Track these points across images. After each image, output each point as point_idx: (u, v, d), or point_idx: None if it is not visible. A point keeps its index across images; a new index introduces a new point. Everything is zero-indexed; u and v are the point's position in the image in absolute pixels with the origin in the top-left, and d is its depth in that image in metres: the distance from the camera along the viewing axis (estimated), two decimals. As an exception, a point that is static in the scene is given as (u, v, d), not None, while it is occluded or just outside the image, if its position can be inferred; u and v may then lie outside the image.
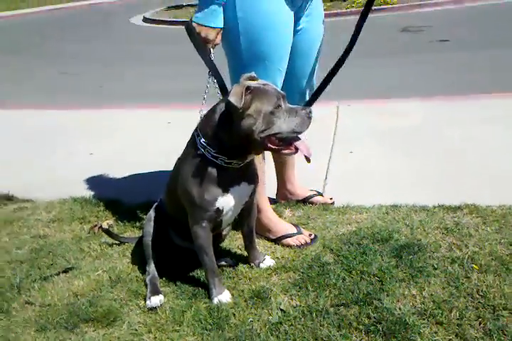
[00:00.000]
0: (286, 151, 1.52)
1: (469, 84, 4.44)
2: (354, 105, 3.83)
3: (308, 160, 1.53)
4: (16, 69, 7.38)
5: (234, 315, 1.59)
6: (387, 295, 1.59)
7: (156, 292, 1.72)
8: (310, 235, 1.98)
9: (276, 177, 2.32)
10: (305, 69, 1.95)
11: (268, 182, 2.09)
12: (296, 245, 1.95)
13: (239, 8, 1.67)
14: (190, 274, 1.84)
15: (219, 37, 1.72)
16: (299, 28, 1.84)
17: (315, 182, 2.51)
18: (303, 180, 2.37)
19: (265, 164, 2.00)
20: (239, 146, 1.51)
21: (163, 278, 1.81)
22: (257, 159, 1.82)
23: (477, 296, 1.56)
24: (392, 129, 3.21)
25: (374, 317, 1.51)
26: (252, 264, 1.86)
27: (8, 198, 2.70)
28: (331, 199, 2.31)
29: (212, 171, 1.56)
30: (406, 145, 2.94)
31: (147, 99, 4.88)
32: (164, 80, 5.87)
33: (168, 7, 15.26)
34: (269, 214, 2.04)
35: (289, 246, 1.96)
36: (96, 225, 2.30)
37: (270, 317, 1.56)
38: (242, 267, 1.85)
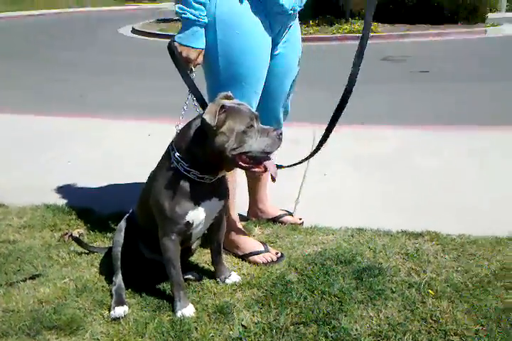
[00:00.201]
0: (255, 170, 1.58)
1: (446, 114, 4.60)
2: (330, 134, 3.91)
3: (273, 179, 1.59)
4: (1, 73, 7.33)
5: (196, 329, 1.62)
6: (346, 316, 1.65)
7: (120, 302, 1.74)
8: (277, 253, 2.04)
9: (248, 195, 2.38)
10: (280, 91, 2.04)
11: (240, 199, 2.15)
12: (263, 262, 2.00)
13: (219, 31, 1.74)
14: (157, 286, 1.87)
15: (200, 57, 1.78)
16: (276, 52, 1.93)
17: (287, 202, 2.57)
18: (275, 199, 2.44)
19: (236, 181, 2.06)
20: (211, 162, 1.57)
21: (130, 289, 1.84)
22: (230, 176, 1.88)
23: (430, 321, 1.62)
24: (367, 155, 3.31)
25: (331, 337, 1.56)
26: (218, 279, 1.89)
27: (-19, 202, 2.69)
28: (301, 219, 2.38)
29: (185, 185, 1.61)
30: (378, 171, 3.03)
31: (129, 110, 4.91)
32: (148, 92, 5.92)
33: (158, 20, 15.43)
34: (238, 230, 2.09)
35: (255, 263, 2.01)
36: (66, 233, 2.32)
37: (231, 333, 1.60)
38: (207, 282, 1.89)
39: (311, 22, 12.12)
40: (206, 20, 1.72)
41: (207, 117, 1.49)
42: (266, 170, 1.57)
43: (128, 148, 3.56)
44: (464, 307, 1.68)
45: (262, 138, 1.54)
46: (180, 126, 1.68)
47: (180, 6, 1.68)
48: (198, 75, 1.83)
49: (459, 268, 1.91)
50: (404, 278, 1.86)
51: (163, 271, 1.75)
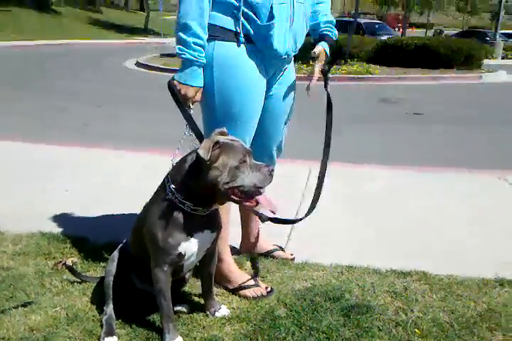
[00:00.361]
0: (247, 204, 1.63)
1: (437, 156, 4.70)
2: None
3: (262, 220, 1.64)
4: (6, 100, 7.44)
5: (184, 361, 1.63)
6: (332, 353, 1.67)
7: (110, 333, 1.76)
8: (266, 288, 2.07)
9: (241, 229, 2.42)
10: (273, 130, 2.12)
11: (232, 233, 2.19)
12: (252, 297, 2.02)
13: (216, 71, 1.84)
14: (147, 318, 1.88)
15: (198, 95, 1.87)
16: (270, 93, 2.03)
17: (279, 237, 2.61)
18: (267, 234, 2.48)
19: (229, 215, 2.11)
20: (205, 195, 1.63)
21: (120, 320, 1.85)
22: (223, 209, 1.93)
23: (416, 359, 1.65)
24: (358, 194, 3.37)
25: (317, 373, 1.57)
26: (208, 312, 1.91)
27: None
28: (292, 255, 2.42)
29: (178, 216, 1.66)
30: (369, 211, 3.09)
31: (129, 141, 4.99)
32: (148, 124, 6.04)
33: (162, 54, 15.80)
34: (229, 264, 2.13)
35: (245, 297, 2.03)
36: (60, 262, 2.34)
37: (218, 366, 1.61)
38: (197, 314, 1.90)
39: (311, 62, 12.46)
40: (204, 61, 1.82)
41: (201, 152, 1.56)
42: (257, 204, 1.63)
43: (125, 179, 3.61)
44: (449, 347, 1.70)
45: (254, 174, 1.60)
46: (176, 159, 1.74)
47: (181, 47, 1.78)
48: (196, 111, 1.91)
49: (446, 308, 1.94)
50: (392, 316, 1.89)
51: (153, 302, 1.78)
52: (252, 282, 2.08)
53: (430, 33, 36.40)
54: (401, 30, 28.55)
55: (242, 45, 1.85)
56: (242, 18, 1.80)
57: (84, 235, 2.60)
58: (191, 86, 1.82)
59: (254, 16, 1.80)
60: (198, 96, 1.87)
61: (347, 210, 3.09)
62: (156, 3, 33.77)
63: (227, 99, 1.88)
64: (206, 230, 1.73)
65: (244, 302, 2.00)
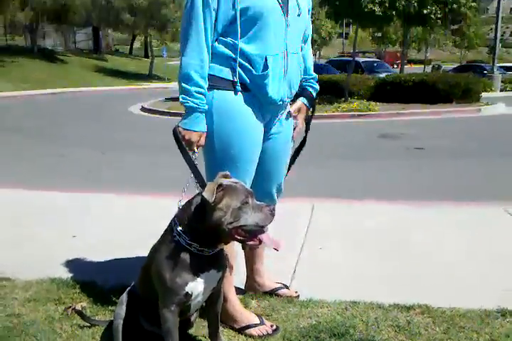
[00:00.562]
0: (251, 242, 1.71)
1: (439, 190, 4.77)
2: (329, 204, 4.09)
3: (260, 242, 1.72)
4: (14, 147, 7.63)
5: None
6: (338, 388, 1.69)
7: (120, 375, 1.79)
8: (272, 326, 2.10)
9: (245, 269, 2.48)
10: (273, 172, 2.22)
11: (237, 273, 2.24)
12: (258, 335, 2.06)
13: (216, 117, 1.97)
14: (155, 359, 1.92)
15: (202, 139, 1.98)
16: (269, 136, 2.14)
17: (283, 275, 2.66)
18: (272, 272, 2.53)
19: (234, 255, 2.17)
20: (210, 235, 1.71)
21: (129, 362, 1.89)
22: (228, 250, 2.00)
23: None
24: (362, 229, 3.43)
25: None
26: (215, 352, 1.95)
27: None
28: (296, 292, 2.46)
29: (185, 257, 1.73)
30: (372, 245, 3.14)
31: (134, 186, 5.10)
32: (153, 168, 6.16)
33: (166, 99, 16.16)
34: (235, 304, 2.17)
35: (251, 336, 2.07)
36: (70, 307, 2.39)
37: None
38: (204, 355, 1.94)
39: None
40: (206, 107, 1.94)
41: (206, 195, 1.65)
42: (260, 242, 1.70)
43: (131, 223, 3.69)
44: (453, 379, 1.72)
45: (256, 214, 1.68)
46: (183, 202, 1.83)
47: (184, 96, 1.92)
48: (199, 155, 2.02)
49: (449, 340, 1.97)
50: (396, 350, 1.92)
51: (161, 343, 1.82)
52: (257, 321, 2.12)
53: (428, 68, 37.09)
54: (399, 67, 29.16)
55: (239, 93, 1.97)
56: (238, 69, 1.94)
57: (92, 279, 2.65)
58: (195, 131, 1.94)
59: (249, 67, 1.94)
60: (202, 141, 1.98)
61: (348, 246, 3.14)
62: (159, 50, 34.79)
63: (226, 143, 1.99)
64: (212, 270, 1.79)
65: (250, 341, 2.03)
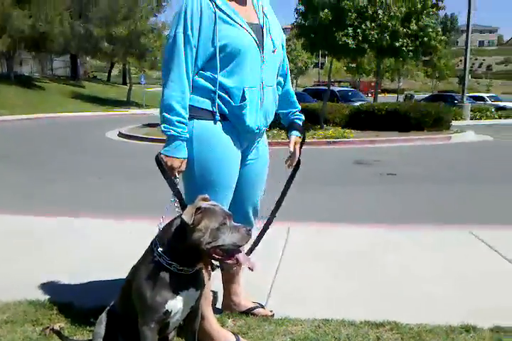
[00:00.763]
0: (228, 261, 1.80)
1: (410, 214, 4.93)
2: (304, 227, 4.19)
3: (251, 269, 1.81)
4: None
5: None
6: None
7: None
8: (248, 344, 2.17)
9: (223, 289, 2.55)
10: (249, 195, 2.33)
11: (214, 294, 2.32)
12: (235, 352, 2.12)
13: (195, 145, 2.08)
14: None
15: (183, 165, 2.09)
16: (246, 163, 2.26)
17: (259, 295, 2.73)
18: (248, 292, 2.60)
19: (211, 276, 2.25)
20: (190, 255, 1.79)
21: (107, 380, 1.92)
22: (205, 270, 2.08)
23: None
24: (336, 251, 3.54)
25: None
26: (192, 370, 2.00)
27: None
28: (272, 311, 2.53)
29: (165, 276, 1.81)
30: (345, 266, 3.24)
31: (113, 210, 5.14)
32: (132, 193, 6.20)
33: (143, 125, 16.27)
34: (212, 322, 2.23)
35: (228, 353, 2.13)
36: (48, 327, 2.41)
37: None
38: (182, 372, 1.99)
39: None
40: (187, 136, 2.06)
41: (185, 217, 1.75)
42: (237, 261, 1.79)
43: (109, 246, 3.72)
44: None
45: (233, 234, 1.78)
46: (163, 225, 1.92)
47: (166, 125, 2.04)
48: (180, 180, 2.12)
49: (416, 355, 2.06)
50: (366, 364, 2.00)
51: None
52: (233, 338, 2.19)
53: (401, 97, 38.11)
54: (373, 96, 29.95)
55: (218, 123, 2.10)
56: (218, 100, 2.08)
57: (70, 301, 2.68)
58: (176, 158, 2.05)
59: (228, 98, 2.08)
60: (183, 167, 2.09)
61: (322, 267, 3.24)
62: (138, 77, 35.07)
63: (206, 169, 2.11)
64: (191, 288, 1.87)
65: (226, 358, 2.09)
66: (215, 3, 2.03)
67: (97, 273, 3.08)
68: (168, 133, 2.03)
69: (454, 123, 14.81)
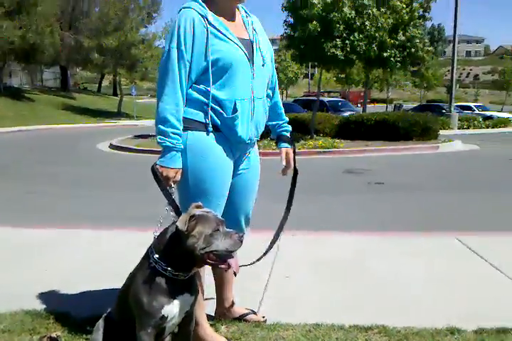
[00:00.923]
0: (221, 266, 1.89)
1: (397, 221, 5.03)
2: (295, 237, 4.27)
3: (234, 274, 1.90)
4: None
5: None
6: None
7: None
8: (241, 348, 2.24)
9: (216, 297, 2.62)
10: (241, 204, 2.42)
11: (207, 301, 2.39)
12: (228, 357, 2.19)
13: (189, 155, 2.17)
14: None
15: (178, 175, 2.17)
16: (238, 172, 2.35)
17: (252, 301, 2.81)
18: (241, 298, 2.68)
19: (204, 284, 2.32)
20: (185, 260, 1.87)
21: (105, 385, 1.98)
22: (199, 278, 2.16)
23: None
24: (326, 258, 3.62)
25: None
26: (187, 374, 2.07)
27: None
28: (264, 317, 2.60)
29: (161, 281, 1.88)
30: (335, 273, 3.33)
31: (107, 220, 5.18)
32: (123, 204, 6.26)
33: (135, 136, 16.29)
34: (206, 328, 2.30)
35: (221, 358, 2.20)
36: (45, 335, 2.46)
37: None
38: (177, 376, 2.05)
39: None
40: (181, 147, 2.15)
41: (179, 224, 1.83)
42: (230, 266, 1.88)
43: (102, 257, 3.78)
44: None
45: (226, 240, 1.86)
46: (157, 233, 2.00)
47: (161, 136, 2.12)
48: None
49: (403, 357, 2.15)
50: (355, 366, 2.08)
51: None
52: (227, 343, 2.26)
53: (390, 107, 38.52)
54: (362, 106, 30.29)
55: (211, 134, 2.20)
56: (210, 112, 2.17)
57: (67, 310, 2.72)
58: (171, 168, 2.13)
59: (221, 110, 2.17)
60: (178, 177, 2.17)
61: (313, 274, 3.32)
62: (128, 88, 35.14)
63: (199, 179, 2.19)
64: (186, 293, 1.94)
65: (220, 363, 2.16)
66: (207, 19, 2.14)
67: (92, 283, 3.13)
68: (164, 144, 2.12)
69: (442, 132, 15.03)
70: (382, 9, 13.83)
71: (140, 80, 34.21)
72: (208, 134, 2.19)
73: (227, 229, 1.91)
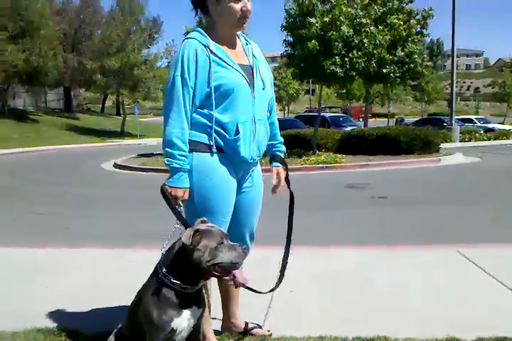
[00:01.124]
0: (226, 278, 1.99)
1: (401, 235, 5.10)
2: (299, 250, 4.34)
3: (236, 285, 1.99)
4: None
5: None
6: None
7: None
8: (247, 361, 2.31)
9: (222, 312, 2.70)
10: (246, 221, 2.52)
11: (214, 316, 2.47)
12: (235, 369, 2.26)
13: (195, 175, 2.29)
14: None
15: (186, 194, 2.29)
16: (242, 190, 2.46)
17: (257, 316, 2.88)
18: (247, 313, 2.75)
19: (211, 300, 2.41)
20: (192, 273, 1.97)
21: None
22: (206, 293, 2.24)
23: None
24: (329, 272, 3.70)
25: None
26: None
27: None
28: (269, 331, 2.68)
29: (170, 295, 1.98)
30: (338, 286, 3.40)
31: (112, 240, 5.26)
32: (129, 223, 6.33)
33: (139, 155, 16.41)
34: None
35: (228, 370, 2.27)
36: (58, 352, 2.55)
37: None
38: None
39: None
40: (188, 167, 2.27)
41: (183, 239, 1.94)
42: (234, 277, 1.98)
43: (109, 274, 3.85)
44: None
45: (230, 252, 1.97)
46: (165, 249, 2.09)
47: (168, 158, 2.25)
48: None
49: (405, 367, 2.21)
50: (358, 376, 2.14)
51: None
52: (234, 357, 2.33)
53: (392, 121, 38.69)
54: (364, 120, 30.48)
55: (215, 154, 2.31)
56: (214, 134, 2.29)
57: (77, 327, 2.80)
58: (179, 188, 2.25)
59: (223, 132, 2.29)
60: (186, 196, 2.29)
61: (317, 287, 3.40)
62: (131, 108, 35.49)
63: (205, 197, 2.31)
64: (194, 306, 2.04)
65: (228, 375, 2.23)
66: (209, 48, 2.27)
67: (100, 301, 3.21)
68: (171, 165, 2.24)
69: (443, 145, 15.11)
70: (380, 27, 14.05)
71: (143, 100, 34.59)
72: (212, 155, 2.31)
73: (231, 242, 2.02)
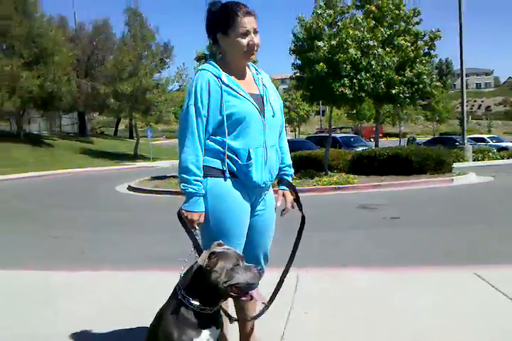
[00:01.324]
0: (243, 298, 2.06)
1: (415, 257, 5.10)
2: (312, 272, 4.38)
3: (251, 298, 2.04)
4: (5, 232, 7.76)
5: None
6: None
7: None
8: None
9: (239, 336, 2.73)
10: (260, 243, 2.58)
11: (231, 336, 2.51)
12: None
13: (210, 200, 2.37)
14: None
15: (201, 218, 2.37)
16: (255, 213, 2.53)
17: (273, 338, 2.92)
18: (263, 335, 2.78)
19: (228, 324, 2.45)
20: (210, 294, 2.03)
21: None
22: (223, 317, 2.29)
23: None
24: (343, 294, 3.72)
25: None
26: None
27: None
28: (285, 352, 2.71)
29: (189, 315, 2.03)
30: (352, 308, 3.42)
31: (128, 263, 5.33)
32: (144, 246, 6.40)
33: (152, 177, 16.57)
34: (230, 363, 2.42)
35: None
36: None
37: None
38: None
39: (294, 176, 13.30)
40: (203, 192, 2.35)
41: (200, 261, 2.03)
42: (252, 297, 2.04)
43: (126, 296, 3.90)
44: None
45: (246, 273, 2.04)
46: (183, 272, 2.16)
47: (184, 184, 2.33)
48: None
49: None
50: None
51: None
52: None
53: (404, 141, 38.72)
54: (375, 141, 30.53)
55: (228, 179, 2.40)
56: (227, 160, 2.38)
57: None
58: (195, 212, 2.33)
59: (236, 158, 2.38)
60: (201, 219, 2.37)
61: (331, 310, 3.42)
62: (144, 131, 35.93)
63: (219, 220, 2.38)
64: (213, 327, 2.09)
65: None
66: (221, 79, 2.39)
67: (117, 323, 3.26)
68: (187, 190, 2.33)
69: (456, 165, 15.07)
70: (388, 48, 14.23)
71: (155, 123, 35.02)
72: (225, 180, 2.39)
73: (247, 264, 2.08)
